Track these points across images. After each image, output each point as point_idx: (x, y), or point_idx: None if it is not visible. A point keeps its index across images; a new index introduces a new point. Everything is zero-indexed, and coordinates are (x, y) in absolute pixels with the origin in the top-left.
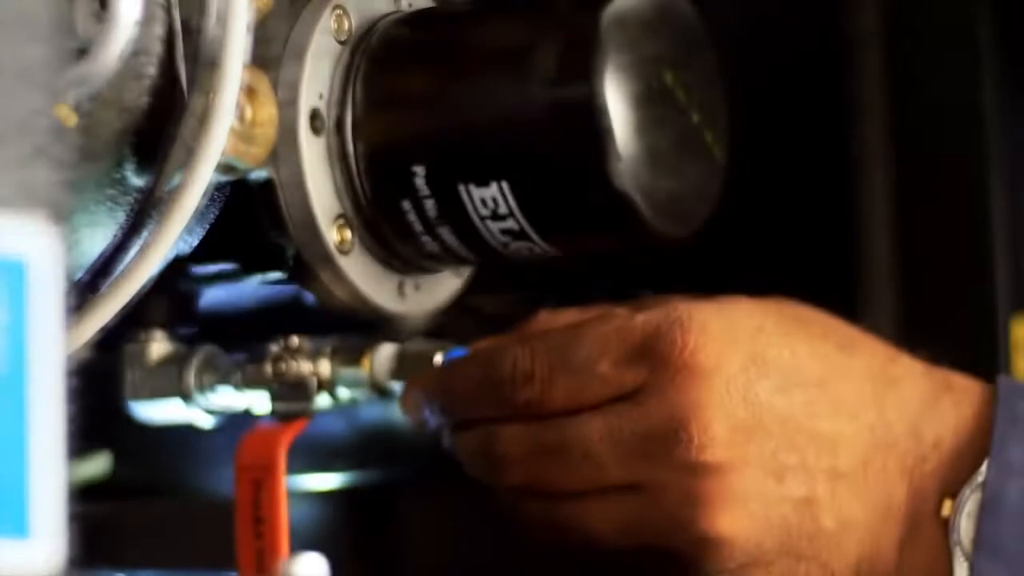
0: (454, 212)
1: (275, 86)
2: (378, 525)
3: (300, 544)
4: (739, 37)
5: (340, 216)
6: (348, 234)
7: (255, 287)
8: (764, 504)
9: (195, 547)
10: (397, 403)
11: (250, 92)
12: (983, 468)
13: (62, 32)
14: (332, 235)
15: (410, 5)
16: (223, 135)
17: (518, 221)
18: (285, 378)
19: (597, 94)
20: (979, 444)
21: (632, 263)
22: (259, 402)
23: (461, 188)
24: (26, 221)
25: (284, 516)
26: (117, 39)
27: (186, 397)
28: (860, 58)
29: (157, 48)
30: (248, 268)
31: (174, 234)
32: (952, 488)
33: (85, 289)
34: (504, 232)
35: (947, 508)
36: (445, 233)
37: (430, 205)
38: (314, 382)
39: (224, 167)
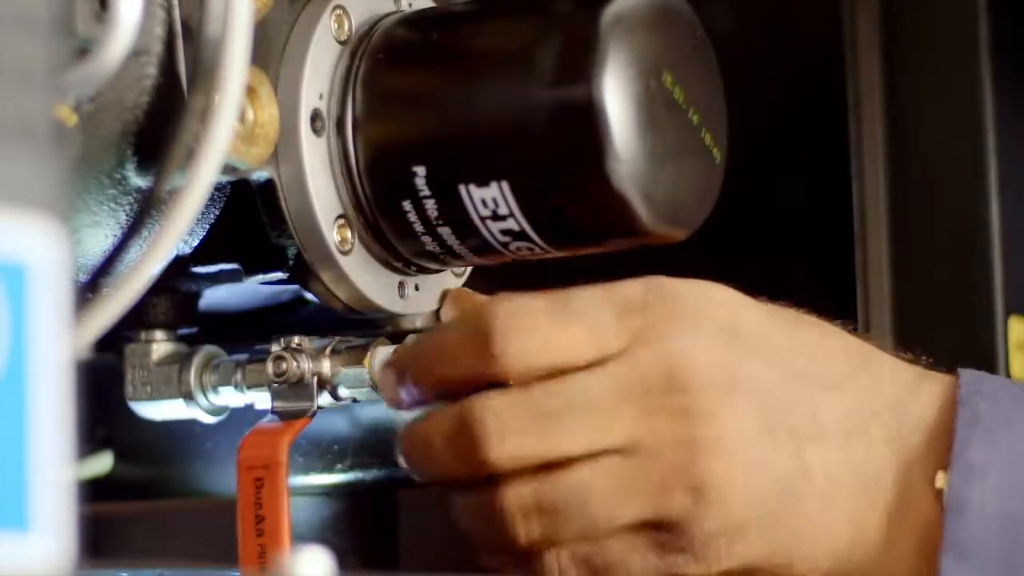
0: (454, 212)
1: (275, 86)
2: (378, 524)
3: (301, 542)
4: (739, 37)
5: (341, 216)
6: (349, 234)
7: (256, 287)
8: (758, 455)
9: (197, 545)
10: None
11: (251, 92)
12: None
13: (62, 32)
14: (333, 235)
15: (410, 5)
16: (226, 136)
17: (518, 221)
18: (286, 378)
19: (597, 94)
20: None
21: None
22: (260, 402)
23: (461, 188)
24: (27, 222)
25: (286, 514)
26: (117, 39)
27: (187, 397)
28: (860, 58)
29: (157, 48)
30: (249, 268)
31: (175, 235)
32: (944, 460)
33: (86, 289)
34: (504, 232)
35: (940, 479)
36: (445, 233)
37: (430, 205)
38: (315, 382)
39: (225, 167)
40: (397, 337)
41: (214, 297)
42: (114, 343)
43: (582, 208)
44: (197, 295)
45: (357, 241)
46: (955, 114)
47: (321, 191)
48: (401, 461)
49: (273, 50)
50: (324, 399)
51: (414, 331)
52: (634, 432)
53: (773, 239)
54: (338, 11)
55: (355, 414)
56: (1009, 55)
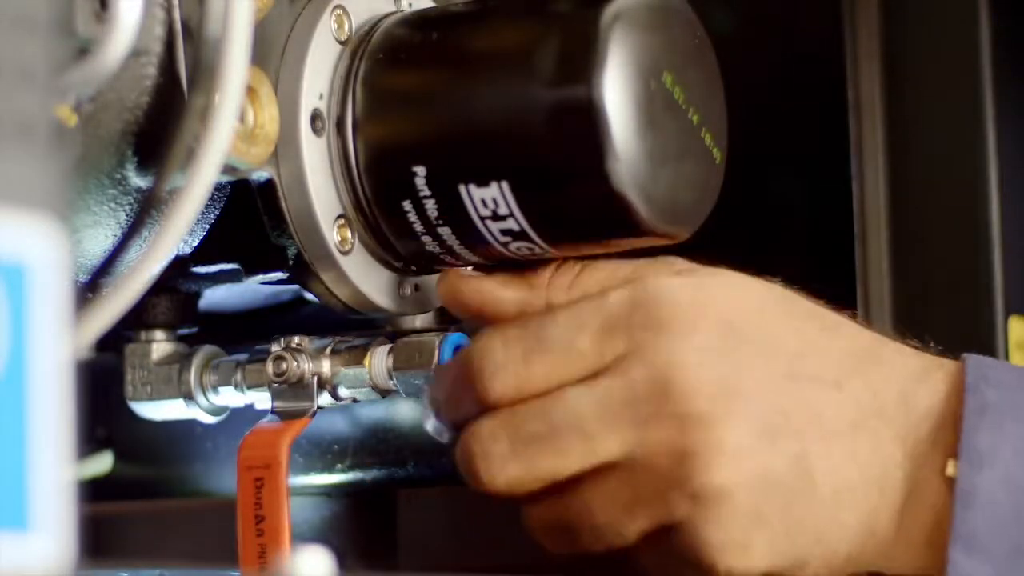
0: (454, 212)
1: (275, 86)
2: (378, 524)
3: (301, 542)
4: (739, 37)
5: (341, 216)
6: (349, 234)
7: (256, 287)
8: (758, 460)
9: (197, 545)
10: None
11: (251, 92)
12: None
13: (62, 32)
14: (333, 235)
15: (410, 5)
16: (226, 136)
17: (518, 221)
18: (286, 378)
19: (597, 94)
20: None
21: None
22: (260, 402)
23: (461, 188)
24: (27, 222)
25: (286, 514)
26: (117, 39)
27: (187, 397)
28: (860, 58)
29: (157, 48)
30: (249, 268)
31: (175, 235)
32: (954, 449)
33: (86, 289)
34: (504, 232)
35: (951, 468)
36: (445, 233)
37: (430, 205)
38: (315, 382)
39: (225, 167)
40: (397, 337)
41: (214, 297)
42: (114, 343)
43: (582, 208)
44: (197, 295)
45: (357, 241)
46: (955, 114)
47: (321, 191)
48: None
49: (273, 50)
50: (324, 399)
51: (414, 331)
52: (627, 445)
53: (773, 239)
54: (338, 11)
55: (355, 414)
56: (1009, 55)
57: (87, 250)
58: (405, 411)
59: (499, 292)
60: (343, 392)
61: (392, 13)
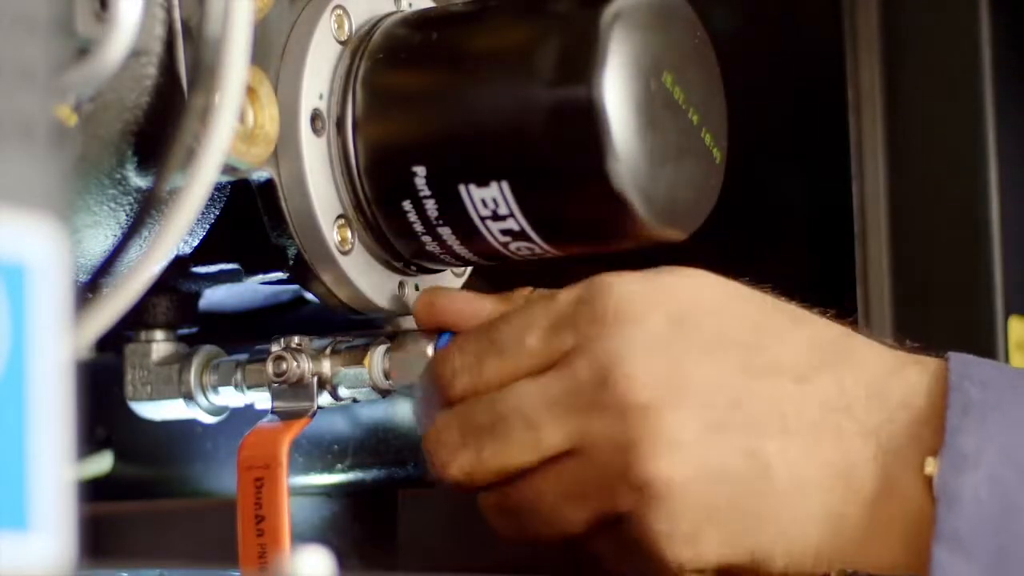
0: (454, 212)
1: (275, 86)
2: (378, 524)
3: (301, 542)
4: (739, 37)
5: (341, 216)
6: (349, 234)
7: (256, 287)
8: (703, 451)
9: (197, 545)
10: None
11: (251, 92)
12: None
13: (62, 32)
14: (333, 235)
15: (410, 5)
16: (226, 136)
17: (518, 221)
18: (286, 378)
19: (596, 94)
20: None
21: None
22: (260, 402)
23: (461, 188)
24: (27, 222)
25: (286, 514)
26: (117, 39)
27: (187, 397)
28: (860, 58)
29: (157, 48)
30: (249, 268)
31: (175, 235)
32: (932, 445)
33: (86, 289)
34: (504, 232)
35: (930, 465)
36: (445, 233)
37: (430, 205)
38: (315, 382)
39: (225, 167)
40: (396, 337)
41: (214, 297)
42: (114, 343)
43: (582, 208)
44: (197, 295)
45: (357, 241)
46: (955, 114)
47: (321, 191)
48: None
49: (273, 50)
50: (324, 399)
51: (415, 331)
52: (571, 435)
53: (773, 239)
54: (338, 11)
55: (355, 414)
56: (1009, 55)
57: (87, 250)
58: (405, 411)
59: (475, 303)
60: (343, 392)
61: (392, 13)
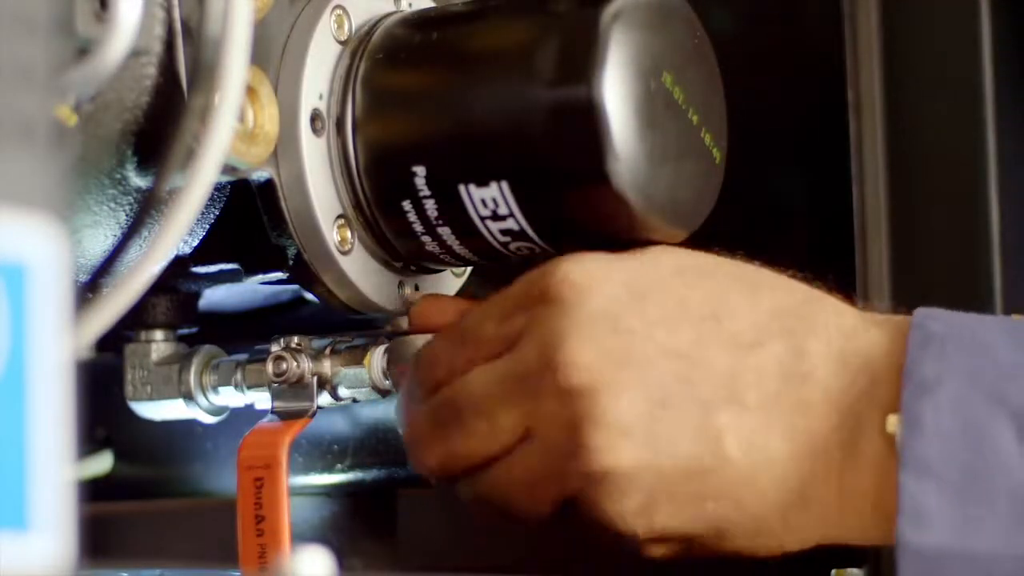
0: (454, 212)
1: (275, 86)
2: (378, 524)
3: (301, 542)
4: (739, 37)
5: (341, 216)
6: (348, 234)
7: (256, 287)
8: (648, 429)
9: (197, 545)
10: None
11: (251, 92)
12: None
13: (62, 32)
14: (333, 235)
15: (410, 5)
16: (226, 136)
17: (518, 221)
18: (286, 378)
19: (596, 94)
20: None
21: None
22: (260, 402)
23: (461, 188)
24: (27, 222)
25: (286, 514)
26: (117, 39)
27: (187, 397)
28: (860, 58)
29: (157, 48)
30: (249, 268)
31: (175, 235)
32: (895, 405)
33: (86, 289)
34: (504, 232)
35: (891, 423)
36: (445, 233)
37: (430, 205)
38: (315, 382)
39: (225, 167)
40: (397, 337)
41: (214, 297)
42: (114, 343)
43: (582, 208)
44: (197, 295)
45: (357, 241)
46: (955, 114)
47: (321, 191)
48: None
49: (273, 50)
50: (324, 399)
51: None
52: (523, 421)
53: (773, 239)
54: (338, 11)
55: (355, 414)
56: (1009, 55)
57: (87, 250)
58: None
59: (460, 305)
60: (343, 392)
61: (392, 13)
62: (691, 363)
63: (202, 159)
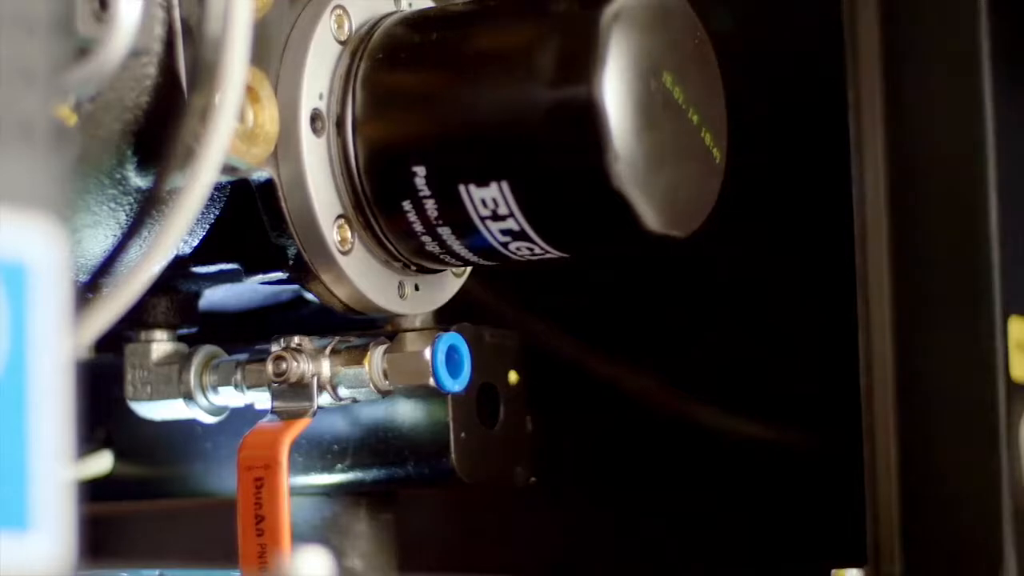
0: (454, 212)
1: (275, 86)
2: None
3: (301, 542)
4: (739, 37)
5: (341, 216)
6: (348, 234)
7: (256, 287)
8: None
9: (197, 545)
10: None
11: (251, 92)
12: None
13: (62, 32)
14: (333, 235)
15: (410, 5)
16: (226, 136)
17: (518, 221)
18: (286, 378)
19: (597, 94)
20: None
21: (632, 263)
22: (260, 402)
23: (461, 188)
24: (27, 222)
25: (286, 514)
26: (117, 39)
27: (187, 397)
28: (860, 58)
29: (157, 48)
30: (249, 268)
31: (175, 235)
32: None
33: (86, 289)
34: (504, 232)
35: None
36: (445, 233)
37: (430, 205)
38: (315, 382)
39: (225, 167)
40: (396, 335)
41: (214, 297)
42: (114, 343)
43: (582, 208)
44: (197, 295)
45: (357, 241)
46: (955, 114)
47: (321, 191)
48: None
49: (273, 50)
50: (324, 399)
51: (414, 331)
52: None
53: (773, 239)
54: (338, 11)
55: (355, 414)
56: (1009, 55)
57: (87, 250)
58: (405, 411)
59: None
60: (343, 392)
61: (392, 13)
62: None
63: (202, 159)
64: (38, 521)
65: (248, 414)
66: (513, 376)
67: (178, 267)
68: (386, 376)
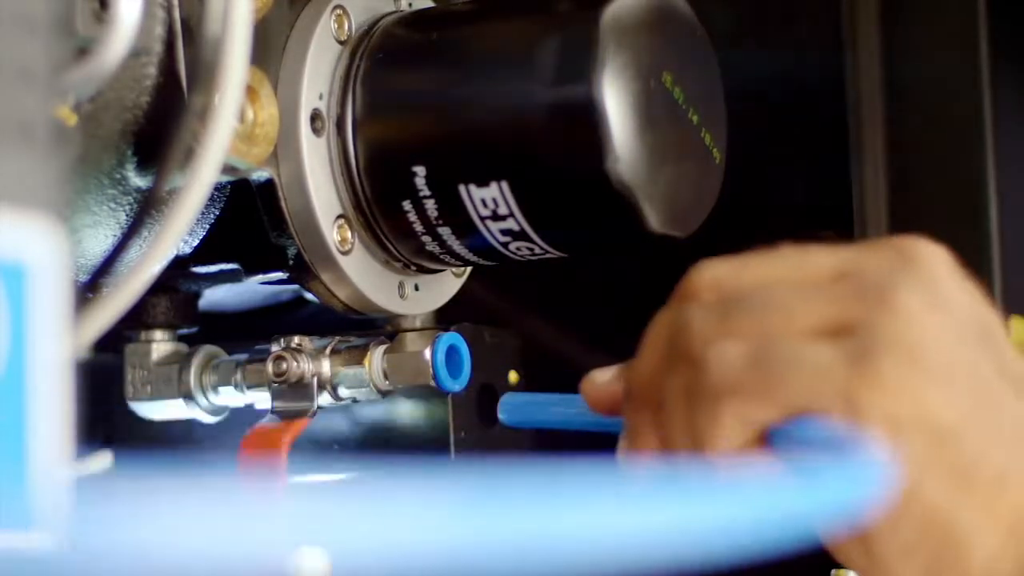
0: (454, 212)
1: (275, 86)
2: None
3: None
4: (739, 37)
5: (340, 216)
6: (348, 234)
7: (256, 287)
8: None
9: None
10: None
11: (251, 92)
12: None
13: (62, 32)
14: (333, 235)
15: (410, 5)
16: (226, 136)
17: (518, 221)
18: (286, 378)
19: (596, 94)
20: None
21: (632, 263)
22: (260, 402)
23: (461, 188)
24: (27, 222)
25: None
26: (117, 39)
27: (187, 397)
28: (860, 58)
29: (157, 48)
30: (249, 268)
31: (175, 235)
32: None
33: (86, 289)
34: (504, 232)
35: None
36: (445, 233)
37: (430, 205)
38: (315, 382)
39: (225, 167)
40: (396, 335)
41: (214, 297)
42: (114, 343)
43: (582, 208)
44: (197, 295)
45: (357, 241)
46: (955, 114)
47: (321, 191)
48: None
49: (273, 50)
50: (324, 399)
51: (414, 331)
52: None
53: (773, 239)
54: (338, 11)
55: (355, 414)
56: (1009, 54)
57: (87, 250)
58: (405, 411)
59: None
60: (343, 392)
61: (392, 13)
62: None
63: (202, 159)
64: (39, 521)
65: (248, 414)
66: (513, 376)
67: (178, 267)
68: (386, 376)
